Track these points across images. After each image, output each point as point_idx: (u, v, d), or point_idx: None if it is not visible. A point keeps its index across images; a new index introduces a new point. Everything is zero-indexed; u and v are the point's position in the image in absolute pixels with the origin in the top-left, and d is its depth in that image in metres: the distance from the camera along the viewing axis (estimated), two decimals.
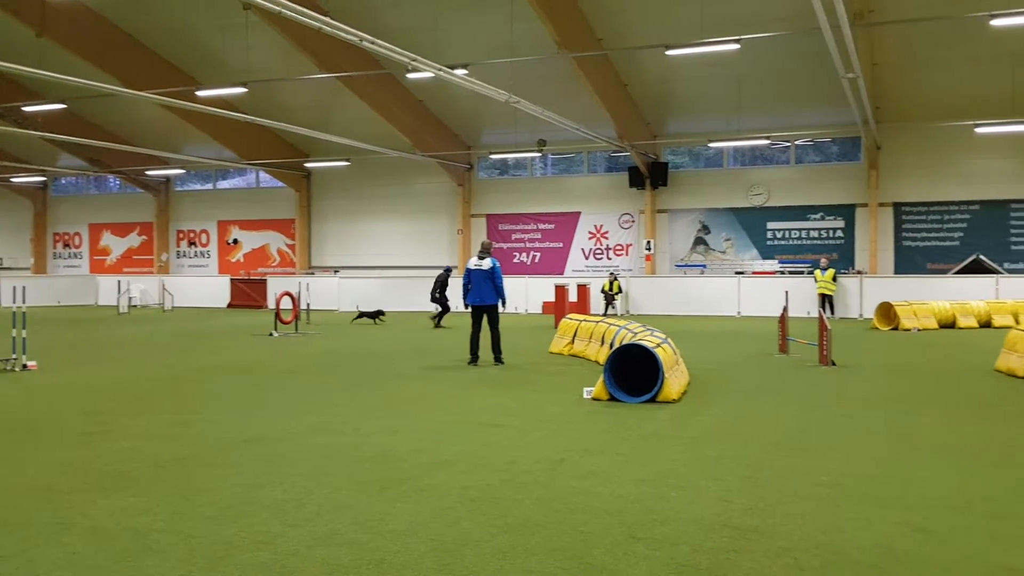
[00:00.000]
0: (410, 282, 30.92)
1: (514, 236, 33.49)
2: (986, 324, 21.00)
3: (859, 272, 27.27)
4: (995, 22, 18.00)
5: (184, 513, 5.31)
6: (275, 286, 31.08)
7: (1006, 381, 11.43)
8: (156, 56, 29.71)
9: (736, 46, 19.65)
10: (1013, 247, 26.86)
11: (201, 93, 25.95)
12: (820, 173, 29.22)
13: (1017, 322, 19.99)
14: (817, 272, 24.70)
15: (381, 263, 34.97)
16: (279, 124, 26.33)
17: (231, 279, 34.60)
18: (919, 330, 20.03)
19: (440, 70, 17.72)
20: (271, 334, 19.29)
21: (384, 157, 31.63)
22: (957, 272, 26.30)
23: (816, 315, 16.50)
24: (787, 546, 4.62)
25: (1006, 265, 26.47)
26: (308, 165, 35.44)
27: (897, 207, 27.99)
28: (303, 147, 35.12)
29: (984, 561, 4.39)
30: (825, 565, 4.33)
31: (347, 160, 32.99)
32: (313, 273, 35.09)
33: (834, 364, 12.87)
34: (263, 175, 37.65)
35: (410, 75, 19.02)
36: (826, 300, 24.10)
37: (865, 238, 28.12)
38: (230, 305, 33.40)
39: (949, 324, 20.91)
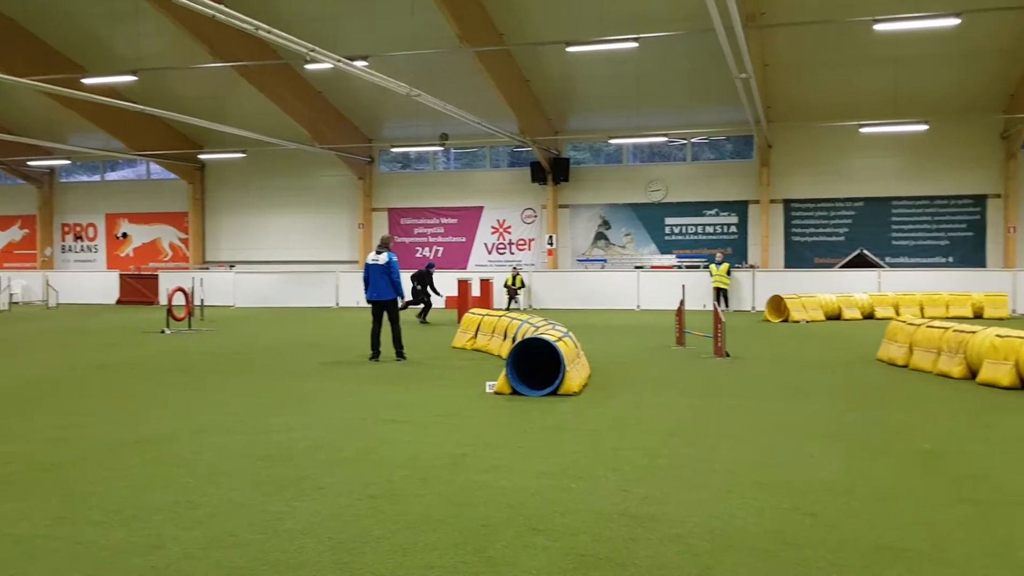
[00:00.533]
0: (309, 277, 30.38)
1: (416, 230, 33.30)
2: (869, 316, 22.02)
3: (752, 266, 28.19)
4: (878, 27, 18.86)
5: (69, 518, 5.08)
6: (167, 281, 30.02)
7: (887, 370, 12.00)
8: (40, 42, 28.28)
9: (635, 44, 20.02)
10: (894, 242, 28.24)
11: (87, 81, 24.83)
12: (715, 170, 30.07)
13: (898, 313, 21.00)
14: (712, 266, 25.41)
15: (279, 258, 34.23)
16: (171, 114, 25.42)
17: (120, 274, 33.23)
18: (807, 322, 20.85)
19: (339, 61, 17.43)
20: (163, 331, 18.64)
21: (282, 149, 30.96)
22: (842, 266, 27.49)
23: (711, 308, 16.97)
24: (682, 532, 4.73)
25: (887, 259, 27.82)
26: (202, 157, 34.39)
27: (787, 204, 29.05)
28: (197, 138, 34.04)
29: (866, 542, 4.60)
30: (717, 550, 4.46)
31: (243, 152, 32.15)
32: (208, 268, 34.07)
33: (728, 355, 13.27)
34: (154, 166, 36.33)
35: (308, 66, 18.65)
36: (721, 293, 24.82)
37: (757, 233, 29.09)
38: (119, 301, 32.12)
39: (835, 316, 21.84)
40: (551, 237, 30.97)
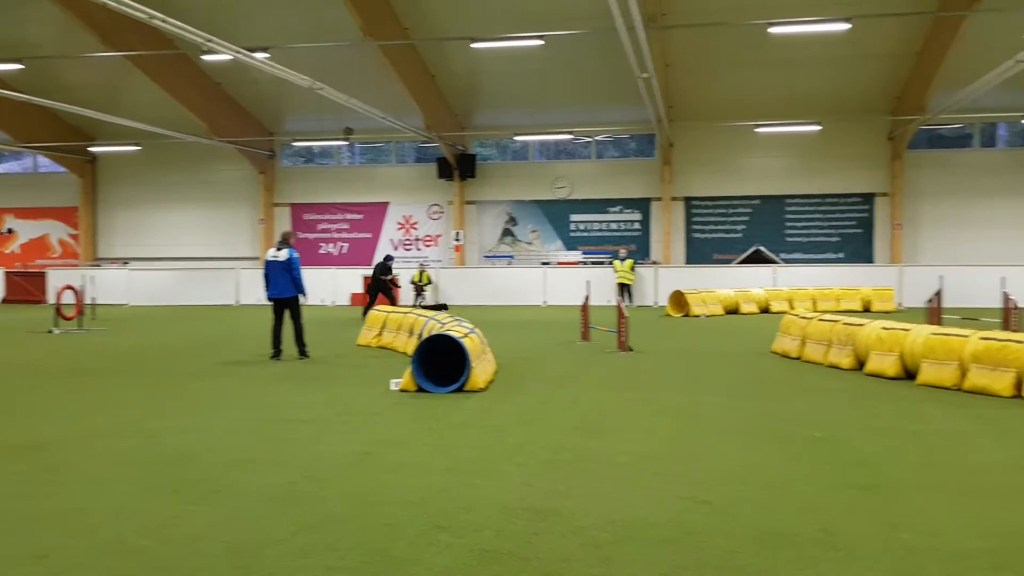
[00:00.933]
0: (208, 274, 29.55)
1: (320, 226, 32.79)
2: (765, 310, 22.78)
3: (654, 262, 28.79)
4: (772, 30, 19.50)
5: None
6: (56, 279, 28.76)
7: (781, 362, 12.45)
8: None
9: (540, 42, 20.16)
10: (788, 239, 29.27)
11: None
12: (619, 168, 30.58)
13: (792, 308, 21.81)
14: (616, 262, 25.83)
15: (176, 254, 33.18)
16: (60, 104, 24.33)
17: (5, 272, 31.67)
18: (707, 316, 21.43)
19: (238, 53, 17.00)
20: (51, 331, 17.84)
21: (179, 142, 30.00)
22: (740, 262, 28.36)
23: (616, 303, 17.25)
24: (584, 525, 4.80)
25: (782, 255, 28.82)
26: (93, 149, 33.03)
27: (688, 201, 29.77)
28: (88, 130, 32.67)
29: (759, 528, 4.76)
30: (618, 540, 4.54)
31: (138, 145, 31.04)
32: (99, 265, 32.77)
33: (631, 350, 13.52)
34: (42, 159, 34.71)
35: (206, 57, 18.11)
36: (625, 289, 25.26)
37: (659, 230, 29.72)
38: (4, 300, 30.62)
39: (733, 310, 22.51)
40: (458, 233, 30.95)
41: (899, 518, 4.94)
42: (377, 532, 4.72)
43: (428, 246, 31.85)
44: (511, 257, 30.86)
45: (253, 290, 27.94)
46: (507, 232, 31.19)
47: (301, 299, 13.02)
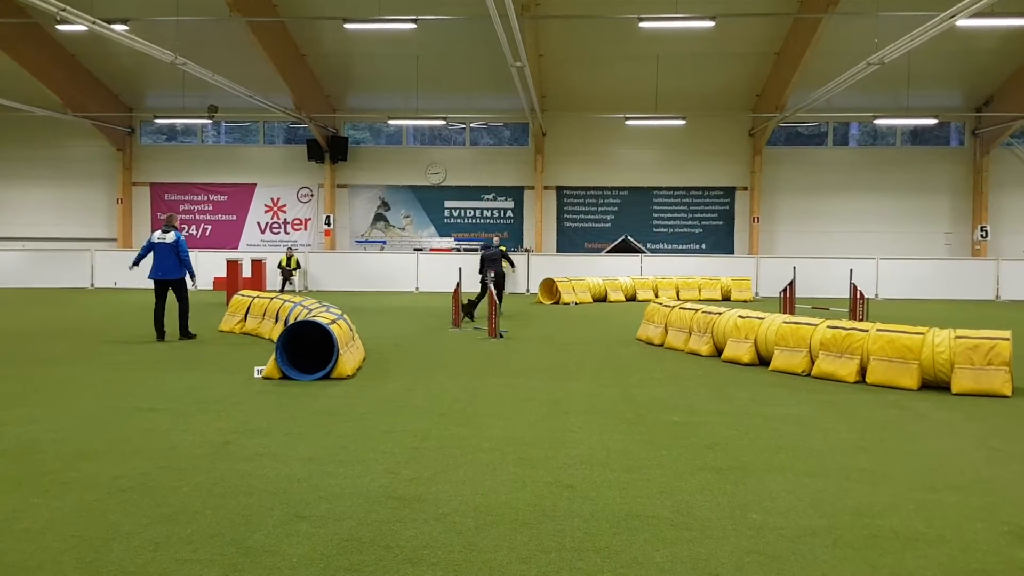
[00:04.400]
0: (60, 255, 27.92)
1: (182, 207, 31.48)
2: (632, 298, 23.42)
3: (527, 250, 29.11)
4: (643, 24, 19.98)
5: None
6: None
7: (645, 349, 12.82)
8: None
9: (413, 25, 19.96)
10: (655, 229, 30.18)
11: None
12: (493, 155, 30.70)
13: (656, 296, 22.50)
14: None
15: (26, 234, 31.18)
16: None
17: None
18: (576, 304, 21.85)
19: (94, 23, 16.06)
20: None
21: (29, 116, 28.15)
22: (609, 251, 29.04)
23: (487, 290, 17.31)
24: (447, 511, 4.81)
25: (649, 245, 29.70)
26: None
27: (560, 190, 30.22)
28: None
29: (617, 510, 4.89)
30: (481, 526, 4.57)
31: None
32: None
33: (502, 336, 13.63)
34: None
35: (60, 27, 16.99)
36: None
37: (532, 218, 30.06)
38: None
39: (602, 298, 23.04)
40: (328, 217, 30.37)
41: (749, 499, 5.18)
42: (233, 523, 4.58)
43: (297, 230, 31.12)
44: (383, 243, 30.54)
45: (109, 273, 26.59)
46: (379, 217, 30.83)
47: (189, 283, 13.27)
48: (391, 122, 28.67)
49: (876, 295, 24.54)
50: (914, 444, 6.70)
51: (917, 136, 29.79)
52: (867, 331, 9.79)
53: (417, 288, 26.46)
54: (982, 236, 28.38)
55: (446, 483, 5.38)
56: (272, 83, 26.01)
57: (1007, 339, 8.93)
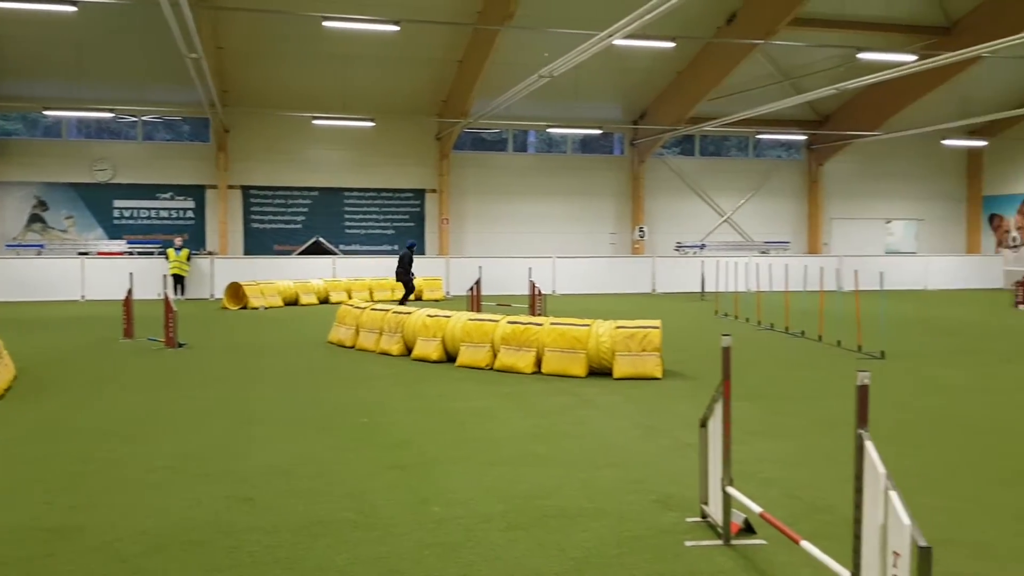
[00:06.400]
0: None
1: None
2: (325, 300, 23.12)
3: (210, 253, 27.64)
4: (327, 23, 19.74)
5: None
6: None
7: (337, 351, 12.71)
8: None
9: (73, 8, 18.14)
10: (347, 230, 30.02)
11: None
12: (171, 152, 28.77)
13: (350, 298, 22.40)
14: (171, 251, 24.30)
15: None
16: None
17: None
18: (266, 308, 21.13)
19: None
20: None
21: None
22: (300, 253, 28.44)
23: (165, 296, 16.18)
24: (110, 539, 4.42)
25: (341, 247, 29.49)
26: None
27: (246, 190, 29.04)
28: None
29: (300, 519, 4.78)
30: (148, 551, 4.26)
31: None
32: None
33: (182, 345, 12.82)
34: None
35: None
36: (179, 281, 23.88)
37: (215, 219, 28.58)
38: None
39: (293, 301, 22.49)
40: None
41: (431, 492, 5.31)
42: None
43: None
44: (41, 246, 27.37)
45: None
46: (36, 218, 27.61)
47: None
48: (48, 113, 25.79)
49: (553, 291, 26.32)
50: (581, 427, 7.27)
51: (586, 145, 32.39)
52: (542, 325, 10.47)
53: (83, 296, 24.07)
54: (640, 236, 31.48)
55: (111, 508, 4.94)
56: None
57: (657, 327, 9.98)
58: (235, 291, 21.60)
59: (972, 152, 33.19)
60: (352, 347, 12.88)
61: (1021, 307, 20.29)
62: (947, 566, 4.09)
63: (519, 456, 6.25)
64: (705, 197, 32.33)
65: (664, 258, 29.21)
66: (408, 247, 21.52)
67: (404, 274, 21.06)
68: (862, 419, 3.25)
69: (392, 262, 26.85)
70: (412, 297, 21.65)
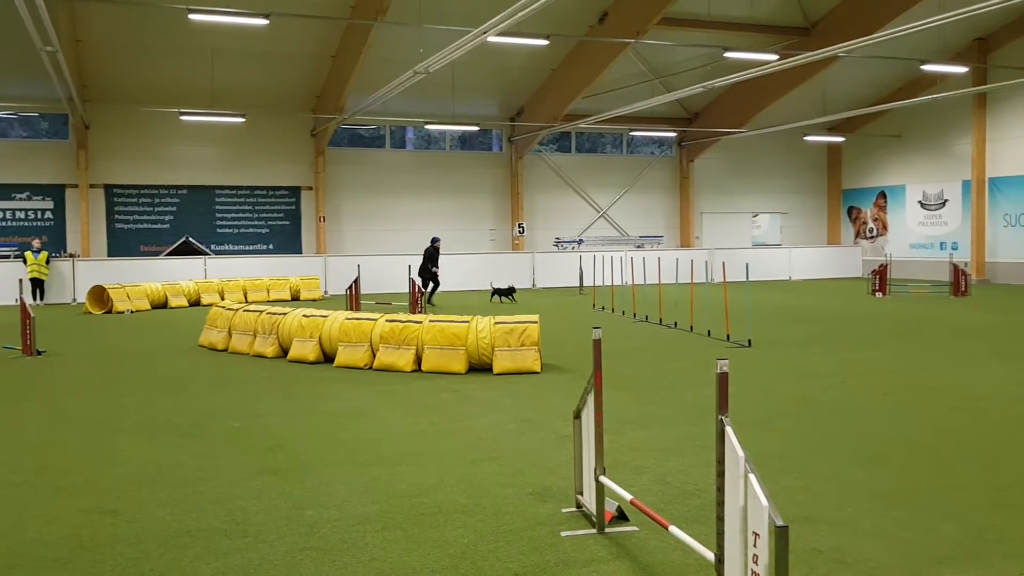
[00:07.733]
0: None
1: None
2: (196, 302, 22.32)
3: (72, 255, 26.25)
4: (192, 16, 19.03)
5: None
6: None
7: (208, 355, 12.30)
8: None
9: None
10: (219, 230, 29.06)
11: None
12: (27, 150, 27.13)
13: (223, 299, 21.71)
14: (29, 255, 22.92)
15: None
16: None
17: None
18: (133, 312, 20.25)
19: None
20: None
21: None
22: (169, 254, 27.36)
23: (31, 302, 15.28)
24: None
25: (213, 246, 28.53)
26: None
27: (109, 189, 27.71)
28: None
29: (167, 529, 4.61)
30: (2, 570, 4.02)
31: None
32: None
33: (41, 353, 12.14)
34: None
35: None
36: (37, 285, 22.58)
37: (76, 220, 27.15)
38: None
39: (162, 304, 21.62)
40: None
41: (305, 496, 5.22)
42: None
43: None
44: None
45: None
46: None
47: None
48: None
49: None
50: (461, 423, 7.29)
51: (465, 142, 32.41)
52: (421, 323, 10.44)
53: None
54: (520, 232, 31.78)
55: None
56: None
57: (535, 322, 10.11)
58: (99, 295, 20.61)
59: (831, 148, 35.03)
60: (225, 350, 12.49)
61: (877, 295, 21.59)
62: (807, 543, 4.32)
63: (397, 455, 6.22)
64: (582, 193, 32.90)
65: (543, 254, 29.61)
66: (432, 242, 21.58)
67: (427, 270, 20.96)
68: (723, 405, 3.40)
69: (266, 261, 26.25)
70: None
